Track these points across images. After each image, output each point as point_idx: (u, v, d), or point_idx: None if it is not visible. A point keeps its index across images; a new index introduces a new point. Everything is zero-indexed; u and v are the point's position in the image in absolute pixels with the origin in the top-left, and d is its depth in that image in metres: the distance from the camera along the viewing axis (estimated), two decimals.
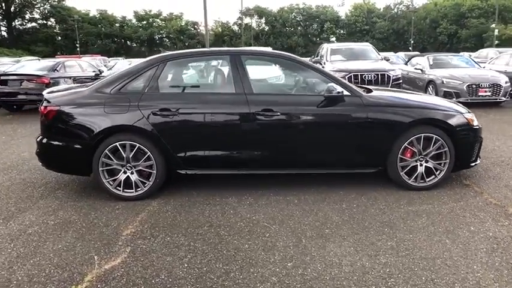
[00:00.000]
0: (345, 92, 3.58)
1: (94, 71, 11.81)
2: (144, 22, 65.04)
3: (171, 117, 3.49)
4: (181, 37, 64.83)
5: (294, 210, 3.34)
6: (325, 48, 11.09)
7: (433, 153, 3.69)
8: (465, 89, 8.87)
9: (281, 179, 3.95)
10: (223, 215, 3.29)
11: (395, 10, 62.15)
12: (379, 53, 11.08)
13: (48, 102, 3.61)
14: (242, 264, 2.51)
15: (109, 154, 3.51)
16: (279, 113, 3.51)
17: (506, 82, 9.04)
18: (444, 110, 3.76)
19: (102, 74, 11.83)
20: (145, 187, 3.59)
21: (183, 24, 65.98)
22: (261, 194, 3.70)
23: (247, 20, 64.46)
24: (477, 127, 3.84)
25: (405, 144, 3.64)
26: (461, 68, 10.15)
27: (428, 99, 4.04)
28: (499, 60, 11.79)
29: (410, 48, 45.71)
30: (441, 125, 3.67)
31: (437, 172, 3.73)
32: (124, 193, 3.59)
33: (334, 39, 65.71)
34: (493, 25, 36.93)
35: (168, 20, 65.48)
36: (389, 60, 10.80)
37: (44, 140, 3.64)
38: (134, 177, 3.57)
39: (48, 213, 3.38)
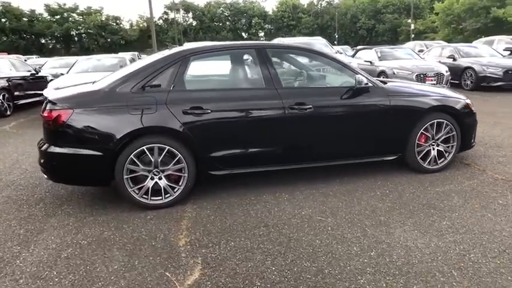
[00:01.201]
0: (369, 84, 3.68)
1: (29, 71, 10.54)
2: (58, 17, 59.63)
3: (203, 116, 3.27)
4: (103, 33, 60.76)
5: (335, 202, 3.37)
6: (284, 43, 11.23)
7: (443, 137, 3.98)
8: (414, 78, 9.66)
9: (301, 173, 3.91)
10: (270, 213, 3.19)
11: (319, 6, 65.20)
12: (333, 47, 11.55)
13: (55, 104, 3.15)
14: (328, 260, 2.46)
15: (135, 159, 3.19)
16: (311, 106, 3.49)
17: (446, 71, 10.04)
18: (452, 97, 4.07)
19: (40, 74, 10.64)
20: (175, 193, 3.33)
21: (103, 19, 61.85)
22: (291, 189, 3.66)
23: (173, 15, 62.62)
24: (475, 111, 4.22)
25: (421, 130, 3.87)
26: (406, 59, 11.03)
27: (434, 88, 4.31)
28: (432, 52, 13.05)
29: (335, 42, 48.33)
30: (450, 111, 3.97)
31: (447, 154, 4.04)
32: (152, 201, 3.29)
33: (262, 34, 67.01)
34: (409, 20, 40.73)
35: (86, 14, 60.84)
36: (342, 53, 11.32)
37: (52, 149, 3.18)
38: (163, 182, 3.29)
39: (71, 231, 2.97)
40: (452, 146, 4.04)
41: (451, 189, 3.59)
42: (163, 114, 3.21)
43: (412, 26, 39.02)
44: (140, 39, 61.75)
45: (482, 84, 10.30)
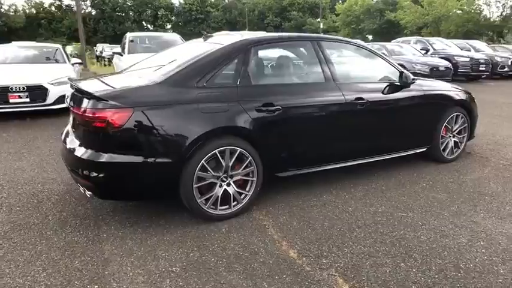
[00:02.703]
0: (414, 80, 3.80)
1: None
2: None
3: (274, 113, 2.98)
4: None
5: (398, 196, 3.41)
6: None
7: (459, 129, 4.32)
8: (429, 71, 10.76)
9: (337, 171, 3.72)
10: (348, 213, 3.07)
11: (226, 0, 65.33)
12: None
13: (105, 102, 2.54)
14: (452, 255, 2.47)
15: (206, 165, 2.77)
16: (368, 101, 3.45)
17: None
18: (465, 92, 4.42)
19: None
20: (243, 200, 3.00)
21: None
22: (342, 186, 3.59)
23: (68, 1, 56.55)
24: (476, 105, 4.67)
25: (445, 123, 4.15)
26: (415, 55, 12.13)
27: (451, 84, 4.61)
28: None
29: None
30: (466, 104, 4.32)
31: (460, 145, 4.40)
32: (220, 211, 2.91)
33: (169, 26, 64.62)
34: (318, 19, 43.45)
35: None
36: None
37: (103, 157, 2.56)
38: (232, 189, 2.92)
39: (144, 258, 2.45)
40: (464, 137, 4.41)
41: (479, 176, 3.91)
42: (236, 112, 2.84)
43: (321, 25, 41.76)
44: (28, 27, 54.27)
45: None
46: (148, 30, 61.54)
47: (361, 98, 3.42)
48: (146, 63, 3.57)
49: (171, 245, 2.60)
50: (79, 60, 9.33)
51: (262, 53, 3.14)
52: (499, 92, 10.82)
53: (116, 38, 42.82)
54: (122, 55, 8.56)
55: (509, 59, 14.16)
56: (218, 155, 2.80)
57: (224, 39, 3.42)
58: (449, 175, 3.94)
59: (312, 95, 3.24)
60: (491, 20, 36.51)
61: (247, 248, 2.55)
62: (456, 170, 4.09)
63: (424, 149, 4.13)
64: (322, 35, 3.54)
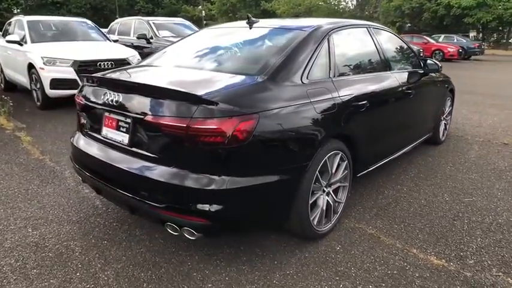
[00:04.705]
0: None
1: None
2: None
3: (363, 108, 2.66)
4: None
5: (450, 183, 3.49)
6: (149, 22, 9.69)
7: (447, 111, 4.68)
8: None
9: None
10: (427, 203, 3.00)
11: None
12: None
13: (227, 108, 1.86)
14: None
15: (319, 176, 2.32)
16: (411, 89, 3.40)
17: None
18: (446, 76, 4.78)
19: None
20: (339, 210, 2.64)
21: None
22: (387, 177, 3.53)
23: None
24: None
25: (443, 107, 4.44)
26: None
27: None
28: None
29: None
30: (453, 88, 4.69)
31: (447, 126, 4.78)
32: (324, 227, 2.51)
33: (19, 10, 54.76)
34: (200, 7, 42.32)
35: None
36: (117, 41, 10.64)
37: (229, 183, 1.87)
38: (331, 199, 2.53)
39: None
40: (449, 118, 4.81)
41: (481, 155, 4.29)
42: (341, 111, 2.44)
43: (203, 13, 40.93)
44: None
45: None
46: None
47: (410, 88, 3.35)
48: (175, 54, 2.85)
49: (269, 261, 2.10)
50: None
51: (340, 41, 2.73)
52: None
53: None
54: (21, 44, 6.76)
55: None
56: (328, 161, 2.37)
57: (276, 23, 2.93)
58: (455, 158, 4.22)
59: (384, 86, 3.04)
60: (348, 11, 41.51)
61: (367, 261, 2.25)
62: (454, 151, 4.42)
63: (429, 136, 4.31)
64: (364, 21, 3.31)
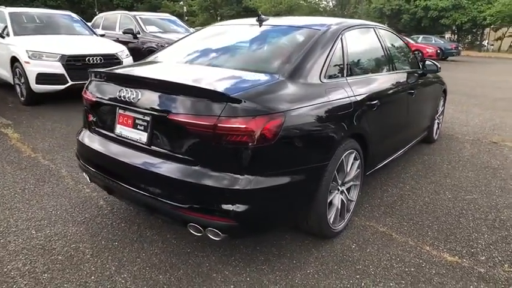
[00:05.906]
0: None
1: None
2: None
3: (375, 107, 2.67)
4: None
5: (456, 177, 3.58)
6: (136, 17, 9.45)
7: (441, 110, 4.80)
8: None
9: None
10: (444, 196, 3.07)
11: None
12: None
13: (254, 106, 1.83)
14: None
15: (336, 175, 2.32)
16: (413, 88, 3.46)
17: None
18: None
19: None
20: (350, 209, 2.65)
21: None
22: (395, 175, 3.59)
23: None
24: None
25: (438, 106, 4.55)
26: None
27: None
28: None
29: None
30: (446, 88, 4.80)
31: (439, 125, 4.90)
32: (338, 226, 2.52)
33: None
34: (181, 3, 41.70)
35: None
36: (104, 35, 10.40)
37: (254, 183, 1.84)
38: (345, 198, 2.55)
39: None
40: (441, 118, 4.93)
41: (474, 153, 4.43)
42: (357, 110, 2.45)
43: (185, 9, 40.36)
44: None
45: None
46: None
47: (412, 87, 3.41)
48: (186, 51, 2.77)
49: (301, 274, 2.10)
50: None
51: (351, 40, 2.74)
52: None
53: None
54: (3, 37, 6.47)
55: None
56: (344, 161, 2.37)
57: (285, 22, 2.91)
58: (449, 156, 4.34)
59: (392, 86, 3.09)
60: (329, 10, 42.00)
61: (397, 262, 2.28)
62: (446, 150, 4.54)
63: (425, 134, 4.41)
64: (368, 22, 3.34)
